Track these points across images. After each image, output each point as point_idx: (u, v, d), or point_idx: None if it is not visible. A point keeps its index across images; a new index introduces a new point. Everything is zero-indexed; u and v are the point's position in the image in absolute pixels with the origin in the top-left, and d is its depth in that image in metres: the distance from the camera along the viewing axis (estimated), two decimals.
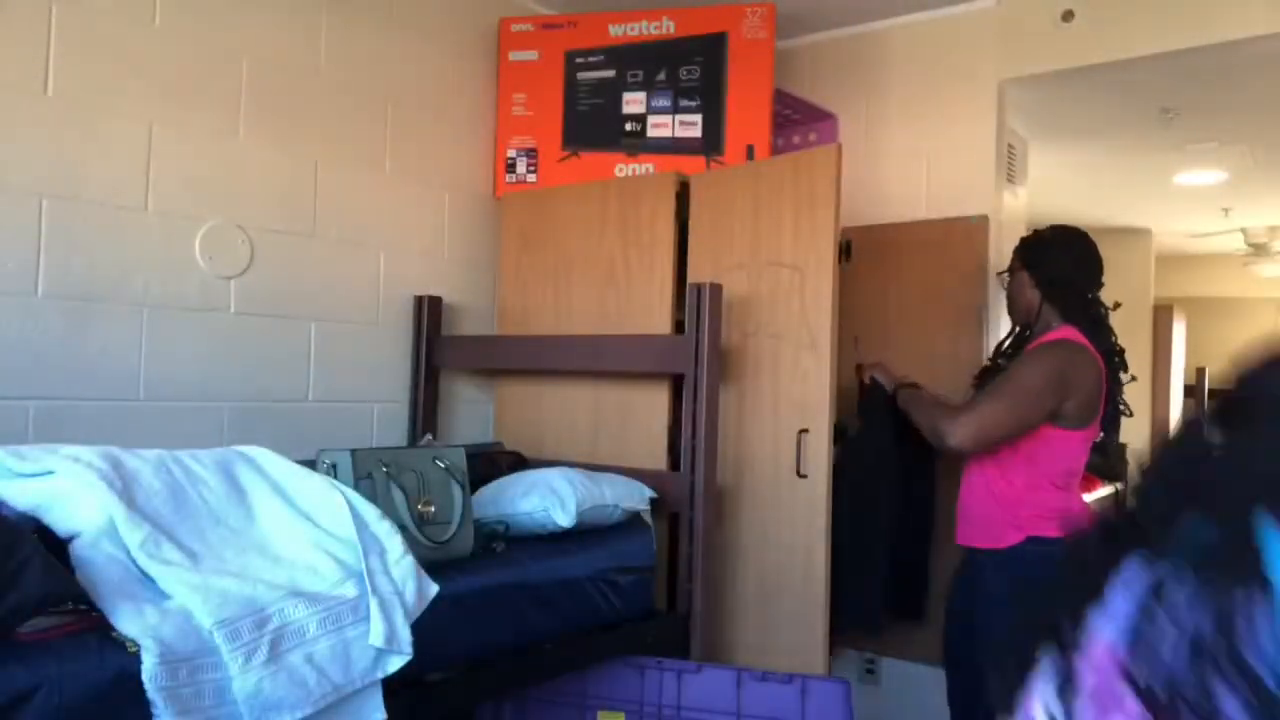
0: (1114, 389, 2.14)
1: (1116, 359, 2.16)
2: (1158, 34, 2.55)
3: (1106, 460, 2.18)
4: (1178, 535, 0.45)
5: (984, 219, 2.75)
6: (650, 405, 2.39)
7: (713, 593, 2.18)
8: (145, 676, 1.10)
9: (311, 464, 1.63)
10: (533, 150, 2.71)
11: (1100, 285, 2.18)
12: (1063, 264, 2.14)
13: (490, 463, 2.23)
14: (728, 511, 2.29)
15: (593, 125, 2.67)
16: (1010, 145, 2.94)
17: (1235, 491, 0.45)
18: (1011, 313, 2.31)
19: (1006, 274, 2.29)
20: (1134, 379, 2.25)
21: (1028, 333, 2.24)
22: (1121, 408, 2.18)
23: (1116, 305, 2.27)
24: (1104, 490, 4.95)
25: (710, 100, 2.57)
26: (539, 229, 2.64)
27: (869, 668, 2.88)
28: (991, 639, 2.04)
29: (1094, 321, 2.14)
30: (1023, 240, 2.27)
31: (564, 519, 1.90)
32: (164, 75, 2.01)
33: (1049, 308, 2.15)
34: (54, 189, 1.84)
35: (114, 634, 1.14)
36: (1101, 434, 2.13)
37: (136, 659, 1.11)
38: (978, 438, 2.01)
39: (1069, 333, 2.09)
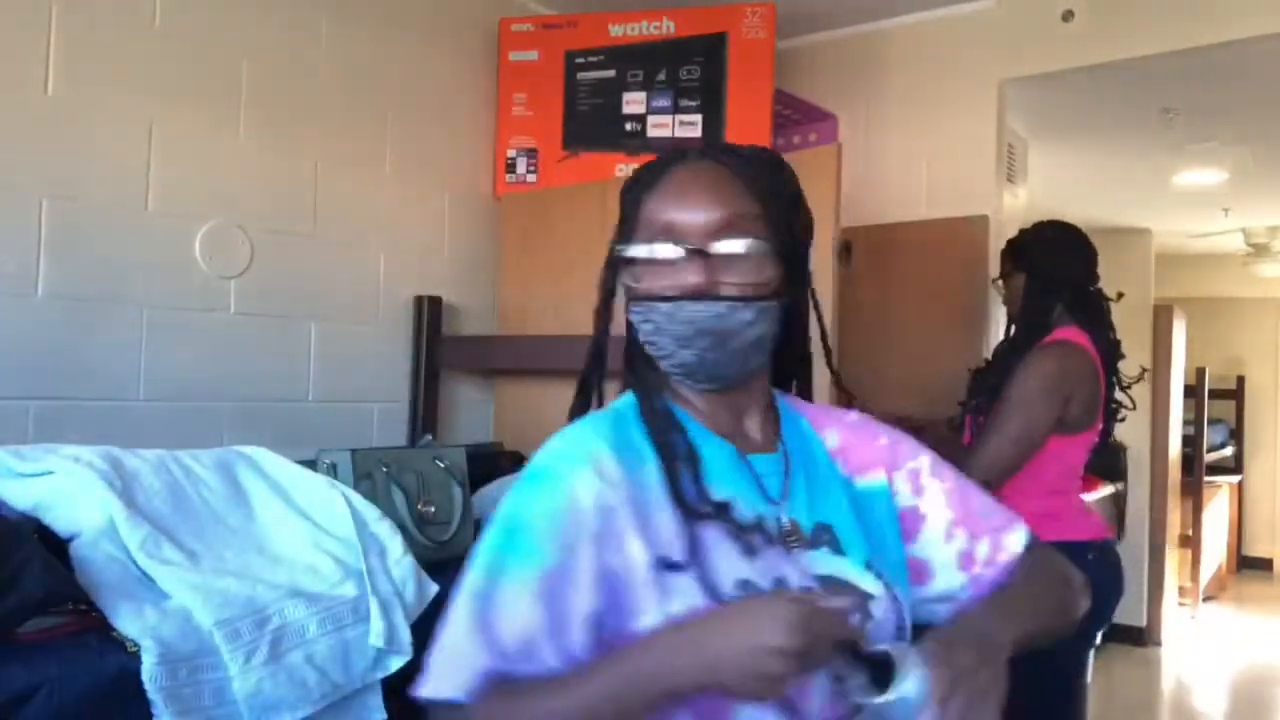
0: (1110, 387, 2.10)
1: (1115, 355, 2.11)
2: (1158, 34, 2.55)
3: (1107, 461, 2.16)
4: None
5: (984, 219, 2.75)
6: None
7: None
8: (145, 676, 1.10)
9: (312, 464, 1.63)
10: (533, 150, 2.71)
11: (1097, 278, 2.14)
12: (1062, 261, 2.10)
13: (490, 463, 2.22)
14: None
15: (593, 125, 2.67)
16: (1010, 145, 2.95)
17: None
18: (1013, 316, 2.22)
19: (1000, 280, 2.25)
20: (1143, 372, 2.20)
21: (1026, 334, 2.15)
22: (1115, 405, 2.13)
23: (1120, 296, 2.19)
24: (1105, 490, 4.95)
25: (710, 100, 2.57)
26: (539, 229, 2.64)
27: None
28: None
29: (1094, 318, 2.09)
30: (1013, 242, 2.22)
31: None
32: (164, 75, 2.00)
33: (1048, 307, 2.09)
34: (54, 189, 1.84)
35: (114, 634, 1.14)
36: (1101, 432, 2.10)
37: (137, 659, 1.11)
38: (998, 478, 1.94)
39: (1068, 333, 2.05)
